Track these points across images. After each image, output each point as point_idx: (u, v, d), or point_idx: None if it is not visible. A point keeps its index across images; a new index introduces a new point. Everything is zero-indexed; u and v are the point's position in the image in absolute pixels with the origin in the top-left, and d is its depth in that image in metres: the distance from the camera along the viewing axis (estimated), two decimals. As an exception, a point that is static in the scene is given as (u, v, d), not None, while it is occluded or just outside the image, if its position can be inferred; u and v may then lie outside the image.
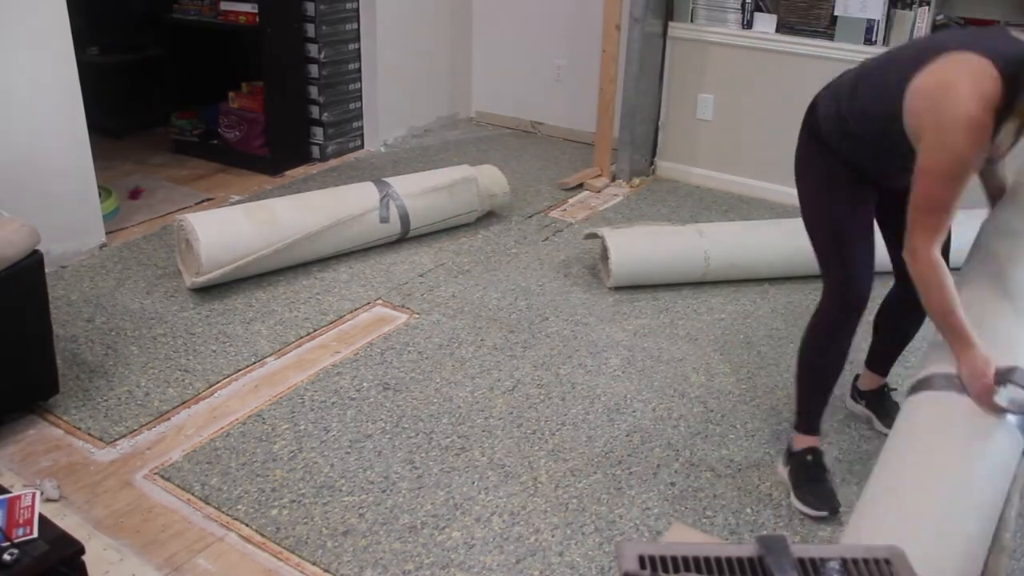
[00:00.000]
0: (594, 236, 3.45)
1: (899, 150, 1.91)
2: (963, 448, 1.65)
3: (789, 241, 3.44)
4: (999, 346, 1.79)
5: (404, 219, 3.59)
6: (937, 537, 1.59)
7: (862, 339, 2.42)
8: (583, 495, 2.30)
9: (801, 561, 0.98)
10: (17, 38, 3.11)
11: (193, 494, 2.27)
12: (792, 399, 2.40)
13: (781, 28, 4.08)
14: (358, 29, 4.69)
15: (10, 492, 1.75)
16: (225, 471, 2.36)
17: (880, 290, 2.32)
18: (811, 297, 3.35)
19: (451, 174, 3.66)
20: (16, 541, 1.63)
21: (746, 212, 4.10)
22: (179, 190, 4.26)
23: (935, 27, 3.79)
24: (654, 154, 4.59)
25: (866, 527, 1.60)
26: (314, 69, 4.54)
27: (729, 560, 0.99)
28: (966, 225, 3.46)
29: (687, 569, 0.97)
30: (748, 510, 2.26)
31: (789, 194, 4.27)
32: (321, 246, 3.42)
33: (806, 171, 2.18)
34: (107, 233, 3.64)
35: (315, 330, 3.05)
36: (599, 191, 4.37)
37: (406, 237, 3.66)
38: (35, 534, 1.65)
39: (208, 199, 4.15)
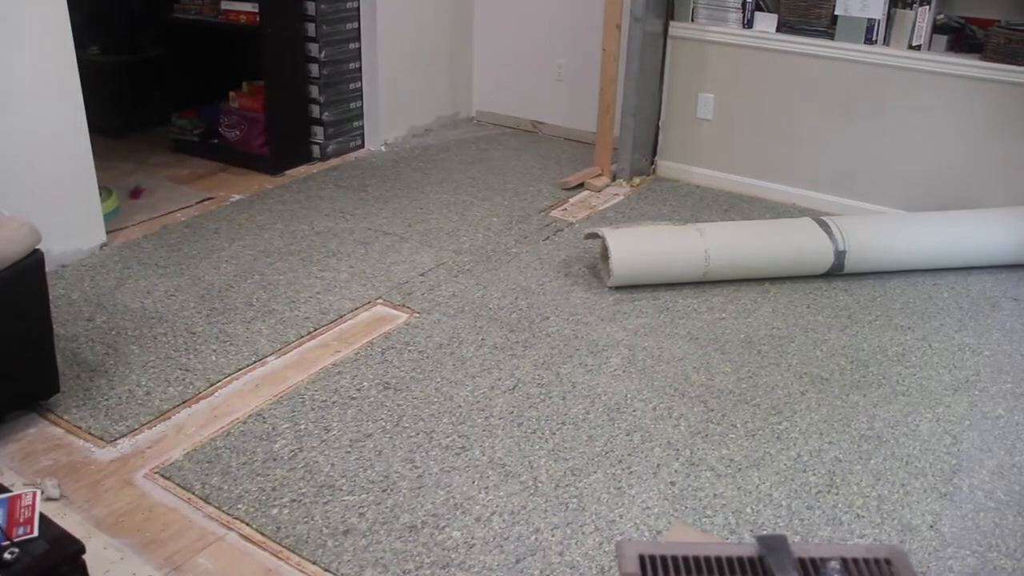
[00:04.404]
0: (594, 235, 3.45)
1: None
2: None
3: (789, 240, 3.44)
4: None
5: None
6: None
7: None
8: (583, 494, 2.30)
9: (801, 561, 0.98)
10: (17, 38, 3.11)
11: (193, 493, 2.27)
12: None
13: (782, 27, 4.08)
14: (358, 28, 4.69)
15: (11, 491, 1.76)
16: (225, 470, 2.36)
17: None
18: (811, 296, 3.35)
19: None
20: (17, 540, 1.63)
21: (746, 211, 4.10)
22: (179, 189, 4.26)
23: (935, 26, 3.79)
24: (654, 153, 4.59)
25: None
26: (314, 68, 4.54)
27: (730, 560, 0.99)
28: (972, 225, 3.52)
29: (687, 569, 0.97)
30: (748, 510, 2.26)
31: (789, 193, 4.30)
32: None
33: None
34: (107, 232, 3.64)
35: (315, 329, 3.05)
36: (599, 190, 4.37)
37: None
38: (36, 533, 1.65)
39: (208, 198, 4.15)
